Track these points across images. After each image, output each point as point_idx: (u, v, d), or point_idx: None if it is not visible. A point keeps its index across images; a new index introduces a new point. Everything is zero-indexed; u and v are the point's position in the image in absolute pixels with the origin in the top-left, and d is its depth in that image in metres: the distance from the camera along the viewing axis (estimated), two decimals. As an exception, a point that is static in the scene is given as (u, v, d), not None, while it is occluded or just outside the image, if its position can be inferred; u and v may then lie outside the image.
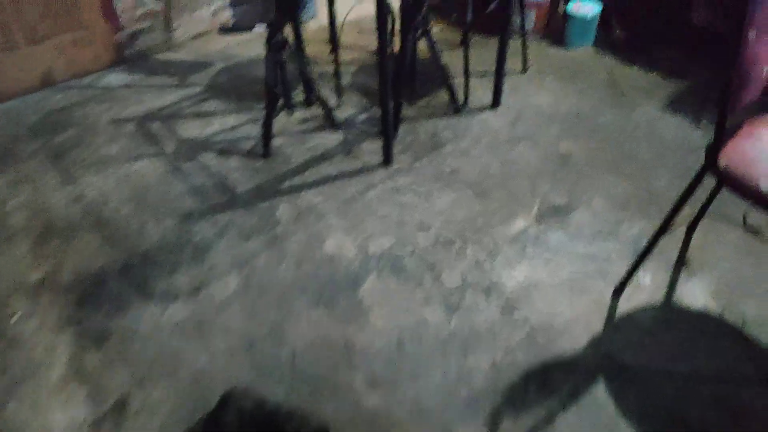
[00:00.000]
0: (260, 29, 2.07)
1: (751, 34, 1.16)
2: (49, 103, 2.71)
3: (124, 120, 2.58)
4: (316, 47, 3.06)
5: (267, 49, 2.15)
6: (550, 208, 1.99)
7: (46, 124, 2.57)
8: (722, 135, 1.26)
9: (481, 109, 2.52)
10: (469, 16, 2.39)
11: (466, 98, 2.56)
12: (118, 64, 2.95)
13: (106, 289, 1.79)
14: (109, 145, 2.43)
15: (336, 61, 2.55)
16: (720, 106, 1.22)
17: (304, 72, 2.30)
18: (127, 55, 2.95)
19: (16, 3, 2.52)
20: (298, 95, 2.66)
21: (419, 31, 2.23)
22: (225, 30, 2.19)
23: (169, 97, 2.73)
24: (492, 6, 2.67)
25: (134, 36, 2.93)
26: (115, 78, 2.87)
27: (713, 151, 1.29)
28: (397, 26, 2.35)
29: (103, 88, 2.80)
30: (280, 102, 2.35)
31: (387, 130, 2.14)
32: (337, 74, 2.58)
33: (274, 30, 2.11)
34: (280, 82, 2.26)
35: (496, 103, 2.50)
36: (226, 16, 3.23)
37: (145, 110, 2.64)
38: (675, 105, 2.45)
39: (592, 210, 1.97)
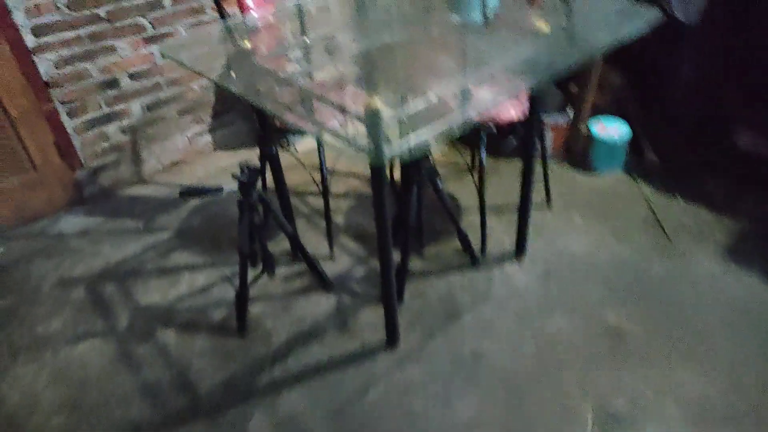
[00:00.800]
0: (229, 188, 1.68)
1: None
2: (-13, 259, 2.29)
3: (73, 282, 2.14)
4: (303, 176, 2.69)
5: (240, 210, 1.75)
6: (611, 419, 1.51)
7: (-22, 289, 2.14)
8: None
9: (503, 258, 2.09)
10: (483, 154, 2.02)
11: (483, 245, 2.14)
12: (76, 205, 2.56)
13: None
14: (50, 320, 1.98)
15: (326, 202, 2.16)
16: None
17: (285, 229, 1.90)
18: (88, 195, 2.57)
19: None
20: (281, 242, 2.25)
21: (425, 181, 1.85)
22: (185, 194, 1.81)
23: (130, 247, 2.31)
24: (511, 144, 2.31)
25: (96, 172, 2.56)
26: (71, 223, 2.47)
27: None
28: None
29: (55, 237, 2.39)
30: (259, 263, 1.94)
31: (389, 302, 1.70)
32: (327, 218, 2.18)
33: (247, 188, 1.72)
34: (258, 241, 1.85)
35: (520, 251, 2.08)
36: (205, 141, 2.89)
37: (101, 267, 2.21)
38: (737, 254, 2.03)
39: (666, 423, 1.49)
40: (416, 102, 1.32)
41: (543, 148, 2.36)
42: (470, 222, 2.27)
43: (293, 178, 2.58)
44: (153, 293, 2.08)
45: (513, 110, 1.93)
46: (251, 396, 1.66)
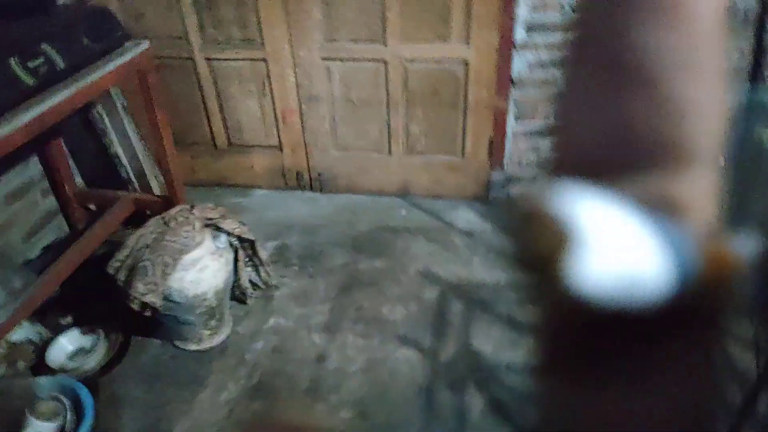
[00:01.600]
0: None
1: None
2: (389, 215, 2.48)
3: (433, 280, 2.12)
4: None
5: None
6: None
7: (369, 240, 2.34)
8: None
9: None
10: None
11: None
12: (477, 201, 2.51)
13: None
14: (397, 305, 2.01)
15: None
16: None
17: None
18: (492, 197, 2.47)
19: (404, 117, 2.36)
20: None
21: None
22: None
23: (496, 274, 2.12)
24: None
25: (510, 180, 2.42)
26: (464, 217, 2.44)
27: None
28: None
29: (444, 224, 2.41)
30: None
31: None
32: None
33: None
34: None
35: None
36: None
37: (462, 278, 2.11)
38: None
39: None
40: None
41: None
42: None
43: None
44: (488, 341, 1.85)
45: None
46: None
